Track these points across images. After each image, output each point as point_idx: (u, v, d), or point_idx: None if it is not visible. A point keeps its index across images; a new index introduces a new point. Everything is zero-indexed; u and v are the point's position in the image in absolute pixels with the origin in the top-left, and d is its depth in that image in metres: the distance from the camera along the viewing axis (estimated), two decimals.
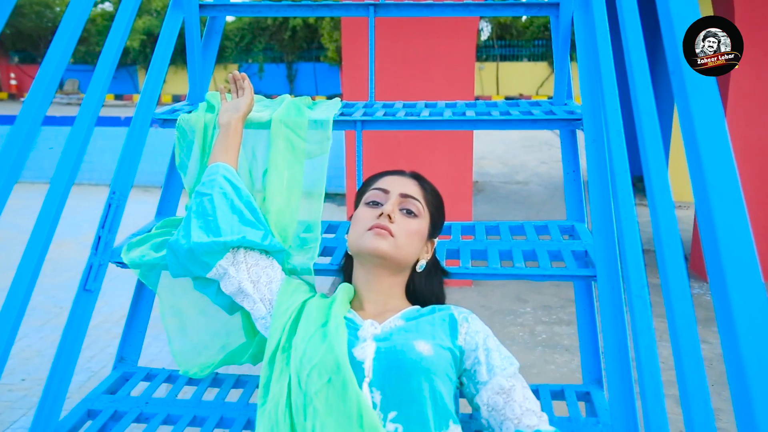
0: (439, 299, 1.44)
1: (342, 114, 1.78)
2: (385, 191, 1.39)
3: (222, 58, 20.59)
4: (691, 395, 0.95)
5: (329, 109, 1.82)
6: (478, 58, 20.06)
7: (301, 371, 1.20)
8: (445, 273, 1.48)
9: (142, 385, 1.59)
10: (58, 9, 22.50)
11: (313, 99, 1.92)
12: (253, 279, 1.39)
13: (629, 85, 1.25)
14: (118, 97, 20.95)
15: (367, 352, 1.20)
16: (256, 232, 1.42)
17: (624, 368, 1.29)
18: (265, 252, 1.44)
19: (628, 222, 1.29)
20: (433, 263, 1.45)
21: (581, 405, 1.51)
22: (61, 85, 21.32)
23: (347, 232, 1.73)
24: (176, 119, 1.73)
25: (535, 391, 1.52)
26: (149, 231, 1.67)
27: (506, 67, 20.34)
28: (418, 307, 1.37)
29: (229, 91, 1.72)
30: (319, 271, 1.50)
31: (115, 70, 1.55)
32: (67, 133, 1.43)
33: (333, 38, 17.93)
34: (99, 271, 1.52)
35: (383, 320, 1.30)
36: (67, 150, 1.40)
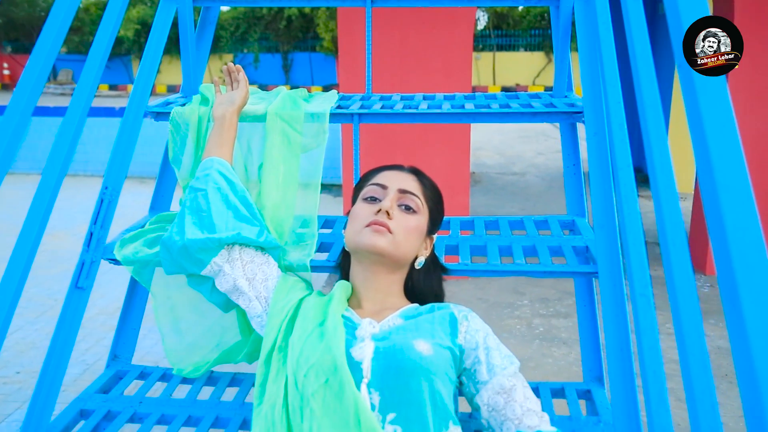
0: (438, 297, 1.42)
1: (339, 107, 1.75)
2: (383, 187, 1.36)
3: (217, 47, 20.48)
4: (696, 390, 0.94)
5: (326, 101, 1.79)
6: (475, 48, 19.99)
7: (298, 371, 1.17)
8: (444, 270, 1.45)
9: (136, 384, 1.56)
10: None
11: (309, 91, 1.88)
12: (249, 276, 1.37)
13: (633, 76, 1.23)
14: (112, 87, 20.80)
15: (365, 352, 1.18)
16: (251, 228, 1.39)
17: (626, 367, 1.26)
18: (261, 249, 1.42)
19: (631, 218, 1.26)
20: (432, 260, 1.43)
21: (582, 403, 1.49)
22: (54, 75, 21.20)
23: (344, 228, 1.71)
24: (170, 112, 1.70)
25: (535, 389, 1.50)
26: (142, 226, 1.63)
27: (503, 57, 20.26)
28: (416, 305, 1.34)
29: (224, 83, 1.68)
30: (316, 267, 1.47)
31: (110, 60, 1.53)
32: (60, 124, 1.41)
33: (329, 28, 17.83)
34: (91, 268, 1.49)
35: (381, 319, 1.28)
36: (59, 140, 1.38)
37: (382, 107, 1.75)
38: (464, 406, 1.31)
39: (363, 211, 1.34)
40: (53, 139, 1.36)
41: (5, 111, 1.28)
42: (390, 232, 1.29)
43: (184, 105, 1.74)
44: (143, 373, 1.58)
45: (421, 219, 1.36)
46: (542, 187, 7.38)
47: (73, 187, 6.77)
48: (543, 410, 1.22)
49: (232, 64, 1.67)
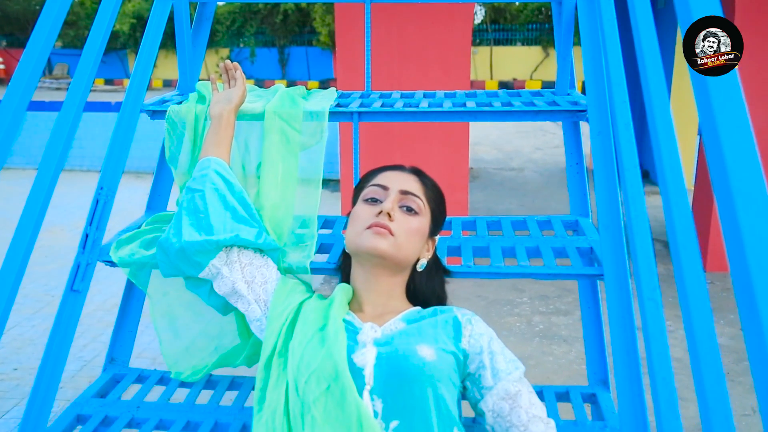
0: (441, 299, 1.39)
1: (338, 105, 1.72)
2: (385, 188, 1.33)
3: (213, 42, 20.37)
4: (708, 388, 0.92)
5: (325, 99, 1.76)
6: (472, 43, 19.89)
7: (299, 378, 1.15)
8: (446, 272, 1.43)
9: (134, 388, 1.53)
10: None
11: (307, 88, 1.85)
12: (248, 279, 1.34)
13: (640, 73, 1.20)
14: (108, 81, 20.70)
15: (367, 358, 1.15)
16: (249, 229, 1.36)
17: (633, 371, 1.24)
18: (260, 251, 1.39)
19: (638, 220, 1.24)
20: (434, 262, 1.40)
21: (587, 407, 1.47)
22: (50, 70, 21.08)
23: (344, 228, 1.68)
24: (166, 110, 1.66)
25: (539, 393, 1.48)
26: (139, 227, 1.61)
27: (500, 51, 20.17)
28: (419, 308, 1.32)
29: (221, 80, 1.65)
30: (316, 270, 1.45)
31: (105, 54, 1.50)
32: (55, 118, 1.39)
33: (325, 22, 17.74)
34: (87, 270, 1.46)
35: (383, 323, 1.25)
36: (55, 135, 1.36)
37: (382, 105, 1.72)
38: (467, 411, 1.29)
39: (364, 212, 1.31)
40: (49, 134, 1.35)
41: (0, 106, 1.25)
42: (391, 234, 1.27)
43: (180, 103, 1.71)
44: (141, 377, 1.56)
45: (423, 220, 1.33)
46: (540, 183, 7.36)
47: (69, 182, 6.72)
48: (548, 415, 1.20)
49: (229, 61, 1.63)
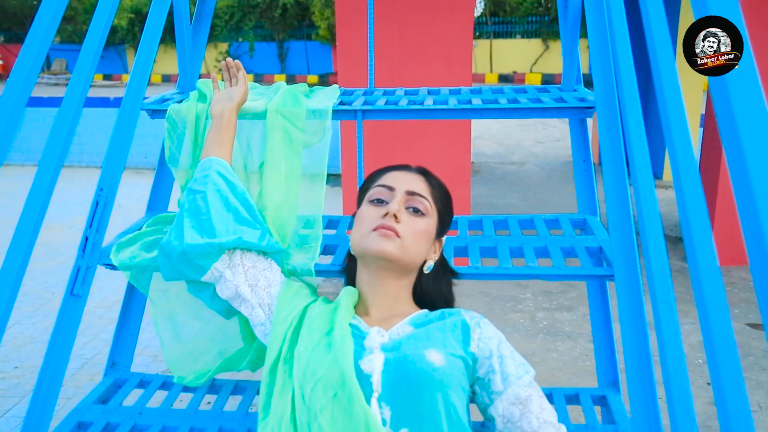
0: (448, 301, 1.37)
1: (341, 103, 1.69)
2: (390, 188, 1.30)
3: (211, 37, 20.28)
4: (726, 388, 0.90)
5: (327, 97, 1.73)
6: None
7: (305, 385, 1.12)
8: (453, 273, 1.40)
9: (136, 393, 1.51)
10: None
11: (306, 82, 1.82)
12: (251, 282, 1.31)
13: (651, 68, 1.17)
14: (107, 77, 20.62)
15: (375, 364, 1.13)
16: (253, 231, 1.34)
17: (646, 375, 1.21)
18: (263, 253, 1.36)
19: (651, 220, 1.21)
20: (441, 263, 1.38)
21: (597, 409, 1.45)
22: (48, 65, 21.01)
23: (348, 228, 1.65)
24: (166, 109, 1.63)
25: (549, 396, 1.45)
26: (139, 228, 1.58)
27: (499, 44, 20.09)
28: (426, 311, 1.29)
29: (221, 77, 1.62)
30: (321, 272, 1.42)
31: (104, 49, 1.47)
32: (55, 114, 1.38)
33: (324, 16, 17.66)
34: (87, 274, 1.43)
35: (390, 326, 1.22)
36: (55, 132, 1.34)
37: (386, 103, 1.69)
38: (474, 415, 1.26)
39: (369, 214, 1.28)
40: (48, 130, 1.33)
41: None
42: (398, 236, 1.24)
43: (181, 102, 1.67)
44: (143, 382, 1.53)
45: (430, 222, 1.30)
46: (542, 177, 7.32)
47: (68, 179, 6.70)
48: (558, 419, 1.18)
49: (230, 59, 1.60)
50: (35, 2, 21.80)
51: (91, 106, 8.05)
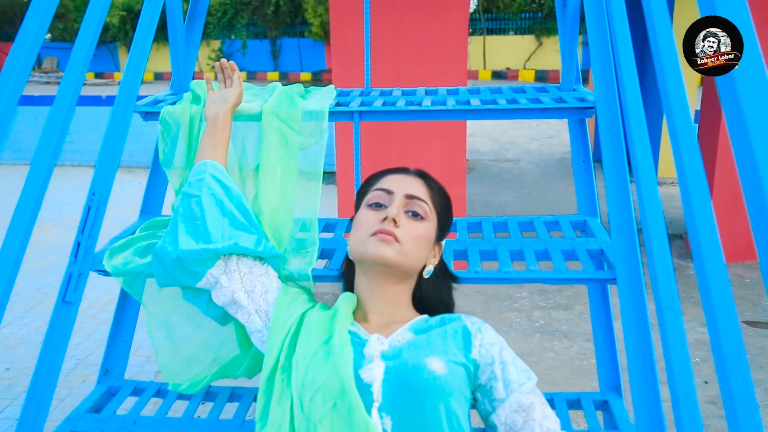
0: (448, 306, 1.34)
1: (338, 104, 1.66)
2: (389, 192, 1.28)
3: (204, 34, 20.09)
4: (734, 389, 0.89)
5: (324, 98, 1.70)
6: None
7: (304, 394, 1.10)
8: (453, 278, 1.37)
9: (130, 401, 1.48)
10: None
11: (304, 85, 1.79)
12: (248, 289, 1.28)
13: (655, 62, 1.15)
14: (98, 75, 20.52)
15: (375, 373, 1.10)
16: (249, 236, 1.31)
17: (650, 381, 1.19)
18: (260, 258, 1.33)
19: (654, 224, 1.19)
20: (441, 268, 1.35)
21: (599, 414, 1.43)
22: (39, 63, 20.87)
23: (346, 231, 1.62)
24: (159, 111, 1.60)
25: (550, 401, 1.43)
26: (133, 233, 1.55)
27: (493, 40, 20.09)
28: (426, 316, 1.26)
29: (216, 79, 1.59)
30: (318, 277, 1.39)
31: (95, 47, 1.44)
32: (46, 113, 1.35)
33: (317, 13, 17.60)
34: (79, 280, 1.40)
35: (390, 333, 1.20)
36: (48, 131, 1.32)
37: (383, 104, 1.66)
38: (475, 420, 1.24)
39: (368, 218, 1.26)
40: (39, 129, 1.30)
41: None
42: (397, 241, 1.21)
43: (174, 103, 1.64)
44: (137, 389, 1.50)
45: (430, 226, 1.28)
46: (537, 175, 7.32)
47: (60, 177, 6.65)
48: (560, 424, 1.16)
49: (225, 60, 1.57)
50: (25, 0, 21.66)
51: (83, 104, 8.01)
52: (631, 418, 1.37)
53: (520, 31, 20.38)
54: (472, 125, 9.91)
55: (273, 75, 19.59)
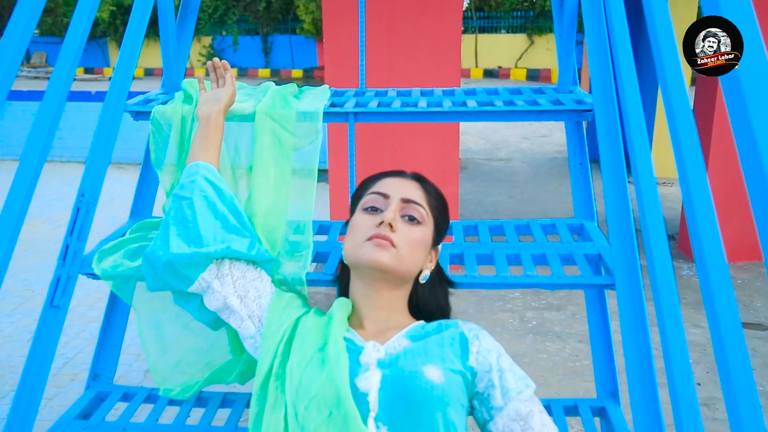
0: (445, 312, 1.32)
1: (332, 104, 1.64)
2: (385, 196, 1.25)
3: (195, 30, 20.01)
4: (737, 391, 0.89)
5: (318, 98, 1.67)
6: None
7: (298, 403, 1.07)
8: (450, 283, 1.35)
9: (119, 407, 1.45)
10: None
11: (298, 85, 1.76)
12: (240, 294, 1.26)
13: (656, 61, 1.13)
14: (88, 70, 20.35)
15: (371, 382, 1.08)
16: (242, 240, 1.28)
17: (649, 389, 1.18)
18: (253, 262, 1.31)
19: (655, 230, 1.17)
20: (437, 273, 1.33)
21: (596, 421, 1.41)
22: (27, 58, 20.69)
23: (341, 234, 1.60)
24: (150, 111, 1.57)
25: (547, 407, 1.42)
26: (123, 235, 1.52)
27: (485, 39, 20.07)
28: (422, 322, 1.24)
29: (207, 76, 1.56)
30: (313, 281, 1.36)
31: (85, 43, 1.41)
32: (34, 108, 1.32)
33: (309, 10, 17.52)
34: (68, 284, 1.37)
35: (386, 340, 1.18)
36: (38, 126, 1.29)
37: (378, 105, 1.64)
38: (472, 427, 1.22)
39: (364, 222, 1.23)
40: (28, 125, 1.27)
41: None
42: (393, 246, 1.19)
43: (165, 103, 1.61)
44: (127, 395, 1.47)
45: (426, 230, 1.25)
46: (529, 174, 7.31)
47: (48, 173, 6.57)
48: None
49: (217, 59, 1.54)
50: None
51: (73, 100, 7.92)
52: (629, 426, 1.35)
53: (512, 29, 20.38)
54: (464, 124, 9.90)
55: (264, 72, 19.49)
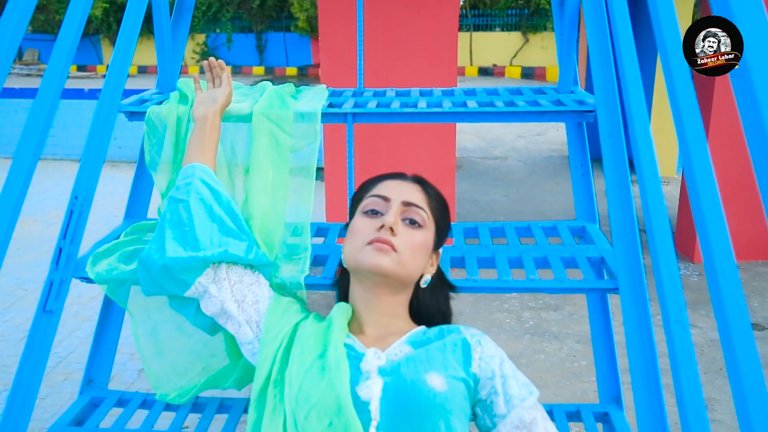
0: (446, 317, 1.30)
1: (330, 105, 1.61)
2: (386, 199, 1.23)
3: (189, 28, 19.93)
4: (747, 390, 0.88)
5: (316, 98, 1.65)
6: None
7: (298, 412, 1.05)
8: (451, 287, 1.33)
9: (114, 413, 1.42)
10: None
11: (295, 84, 1.74)
12: (238, 298, 1.23)
13: (662, 60, 1.11)
14: (81, 68, 20.22)
15: (372, 390, 1.06)
16: (239, 243, 1.26)
17: (654, 395, 1.16)
18: (250, 266, 1.28)
19: (661, 235, 1.15)
20: (439, 277, 1.30)
21: (599, 426, 1.39)
22: (20, 55, 20.55)
23: (339, 236, 1.57)
24: (145, 111, 1.54)
25: (550, 413, 1.40)
26: (117, 238, 1.49)
27: (479, 37, 20.04)
28: (423, 327, 1.22)
29: (201, 74, 1.53)
30: (311, 285, 1.34)
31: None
32: (26, 106, 1.29)
33: (303, 7, 17.47)
34: (61, 288, 1.34)
35: (387, 346, 1.15)
36: (31, 123, 1.26)
37: (377, 105, 1.61)
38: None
39: (364, 226, 1.21)
40: (20, 122, 1.24)
41: None
42: (394, 250, 1.16)
43: (160, 103, 1.58)
44: (122, 400, 1.45)
45: (428, 234, 1.23)
46: (524, 173, 7.29)
47: (41, 171, 6.51)
48: None
49: (213, 59, 1.52)
50: None
51: (66, 97, 7.86)
52: (633, 430, 1.33)
53: (507, 27, 20.35)
54: (461, 123, 9.88)
55: (258, 69, 19.42)
